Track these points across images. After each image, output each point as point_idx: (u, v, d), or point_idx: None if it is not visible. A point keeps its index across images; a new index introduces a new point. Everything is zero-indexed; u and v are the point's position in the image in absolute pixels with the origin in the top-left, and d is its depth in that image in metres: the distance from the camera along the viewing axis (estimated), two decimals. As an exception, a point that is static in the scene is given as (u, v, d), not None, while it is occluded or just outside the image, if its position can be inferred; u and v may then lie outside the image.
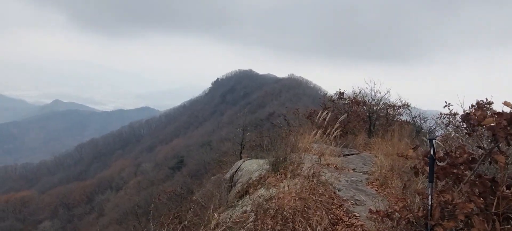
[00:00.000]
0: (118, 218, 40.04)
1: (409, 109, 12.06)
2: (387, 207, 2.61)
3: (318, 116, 4.34)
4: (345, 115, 6.55)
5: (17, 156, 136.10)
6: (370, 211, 2.54)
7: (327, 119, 4.10)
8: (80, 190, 60.48)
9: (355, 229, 3.07)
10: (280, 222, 2.74)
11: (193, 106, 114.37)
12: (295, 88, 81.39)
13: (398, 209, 2.33)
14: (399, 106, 12.42)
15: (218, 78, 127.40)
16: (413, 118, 11.77)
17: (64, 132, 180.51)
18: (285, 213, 2.84)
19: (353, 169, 5.83)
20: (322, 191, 3.45)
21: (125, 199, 48.76)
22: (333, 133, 4.14)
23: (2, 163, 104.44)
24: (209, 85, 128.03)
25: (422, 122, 11.57)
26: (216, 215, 3.05)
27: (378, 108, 12.17)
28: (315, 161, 4.44)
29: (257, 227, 2.79)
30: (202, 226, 2.93)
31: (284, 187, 3.37)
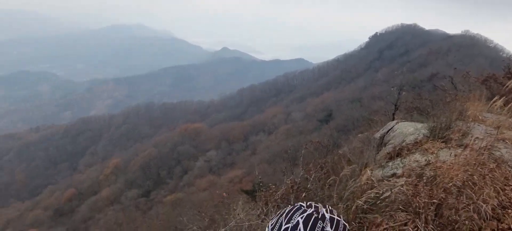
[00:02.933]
0: (268, 158, 44.05)
1: None
2: None
3: (506, 86, 3.62)
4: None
5: (194, 94, 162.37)
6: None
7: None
8: (239, 129, 68.43)
9: (534, 219, 2.55)
10: (440, 191, 2.50)
11: (347, 61, 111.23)
12: (468, 48, 68.87)
13: None
14: None
15: (376, 32, 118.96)
16: None
17: (229, 76, 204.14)
18: (448, 183, 2.56)
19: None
20: (493, 167, 2.96)
21: (275, 143, 52.94)
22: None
23: (182, 99, 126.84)
24: (366, 39, 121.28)
25: None
26: (368, 170, 3.00)
27: None
28: (489, 133, 3.79)
29: (409, 192, 2.64)
30: (352, 180, 2.95)
31: (450, 155, 3.01)
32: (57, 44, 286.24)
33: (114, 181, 56.95)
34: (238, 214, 3.69)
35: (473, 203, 2.46)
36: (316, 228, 1.17)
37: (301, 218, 1.19)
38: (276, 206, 3.83)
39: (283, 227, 1.20)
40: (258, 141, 60.74)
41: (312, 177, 4.32)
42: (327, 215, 1.21)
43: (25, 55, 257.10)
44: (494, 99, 3.83)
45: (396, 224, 2.47)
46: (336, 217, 1.22)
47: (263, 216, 3.71)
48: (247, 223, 3.49)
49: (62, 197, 55.15)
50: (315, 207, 1.24)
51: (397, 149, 4.94)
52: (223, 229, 3.59)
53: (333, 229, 1.18)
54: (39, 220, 49.29)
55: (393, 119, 10.06)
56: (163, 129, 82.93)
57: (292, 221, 1.19)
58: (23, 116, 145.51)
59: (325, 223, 1.18)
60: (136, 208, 43.61)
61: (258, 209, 3.96)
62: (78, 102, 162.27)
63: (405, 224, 2.46)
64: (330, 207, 1.26)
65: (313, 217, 1.19)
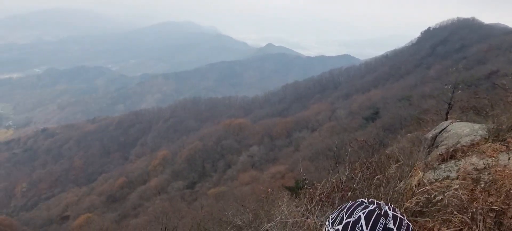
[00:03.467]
0: (310, 155, 43.55)
1: None
2: None
3: None
4: None
5: (238, 89, 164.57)
6: None
7: None
8: (282, 125, 68.27)
9: None
10: (501, 198, 2.33)
11: (396, 57, 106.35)
12: (536, 42, 62.82)
13: None
14: None
15: (429, 27, 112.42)
16: None
17: (273, 72, 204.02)
18: (510, 189, 2.39)
19: None
20: None
21: (318, 140, 52.17)
22: None
23: (227, 94, 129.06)
24: (418, 35, 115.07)
25: None
26: (420, 172, 2.87)
27: None
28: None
29: (465, 196, 2.49)
30: (402, 181, 2.83)
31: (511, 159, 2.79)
32: (112, 40, 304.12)
33: (162, 171, 59.49)
34: (283, 210, 3.71)
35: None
36: (379, 225, 1.15)
37: (363, 213, 1.18)
38: (320, 204, 3.79)
39: (344, 221, 1.19)
40: (301, 137, 60.21)
41: (358, 176, 4.22)
42: (390, 212, 1.18)
43: (83, 51, 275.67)
44: None
45: (450, 229, 2.35)
46: (399, 215, 1.19)
47: (307, 213, 3.69)
48: (291, 220, 3.50)
49: (115, 184, 58.72)
50: (378, 204, 1.23)
51: (450, 150, 4.67)
52: (268, 224, 3.63)
53: (396, 227, 1.15)
54: (94, 204, 52.92)
55: (447, 119, 9.54)
56: (208, 123, 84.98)
57: (354, 215, 1.19)
58: (82, 108, 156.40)
59: (388, 220, 1.16)
60: (182, 198, 45.23)
61: (302, 206, 3.95)
62: (130, 96, 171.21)
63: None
64: (392, 205, 1.23)
65: (376, 213, 1.17)
